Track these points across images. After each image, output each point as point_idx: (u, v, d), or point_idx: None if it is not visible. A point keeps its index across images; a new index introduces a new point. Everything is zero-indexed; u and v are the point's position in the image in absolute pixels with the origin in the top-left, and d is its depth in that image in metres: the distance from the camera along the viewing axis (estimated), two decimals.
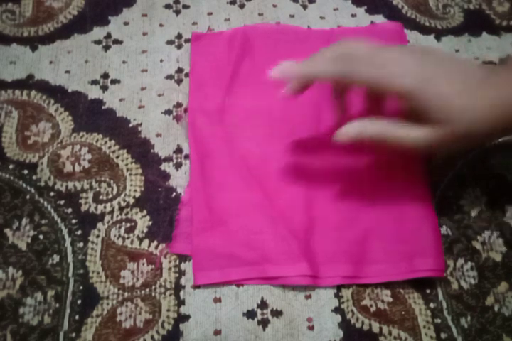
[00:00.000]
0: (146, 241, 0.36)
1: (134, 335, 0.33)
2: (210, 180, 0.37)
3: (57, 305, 0.34)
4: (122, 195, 0.38)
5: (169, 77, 0.43)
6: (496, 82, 0.28)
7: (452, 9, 0.47)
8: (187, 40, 0.44)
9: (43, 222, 0.36)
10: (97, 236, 0.36)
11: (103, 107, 0.41)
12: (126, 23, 0.45)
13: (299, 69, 0.31)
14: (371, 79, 0.29)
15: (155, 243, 0.36)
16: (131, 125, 0.40)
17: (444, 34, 0.46)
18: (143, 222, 0.37)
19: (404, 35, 0.43)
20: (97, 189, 0.38)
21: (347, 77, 0.29)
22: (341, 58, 0.29)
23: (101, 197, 0.37)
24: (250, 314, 0.34)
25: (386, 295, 0.34)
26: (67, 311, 0.34)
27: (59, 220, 0.37)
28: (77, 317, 0.33)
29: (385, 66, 0.28)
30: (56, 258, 0.35)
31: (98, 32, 0.45)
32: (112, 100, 0.41)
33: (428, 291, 0.35)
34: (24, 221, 0.36)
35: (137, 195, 0.38)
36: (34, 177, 0.38)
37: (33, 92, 0.42)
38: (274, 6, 0.47)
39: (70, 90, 0.42)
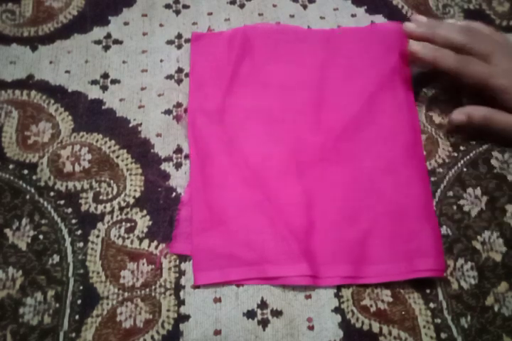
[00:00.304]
0: (146, 241, 0.36)
1: (134, 335, 0.33)
2: (210, 180, 0.37)
3: (57, 305, 0.34)
4: (122, 195, 0.38)
5: (169, 77, 0.43)
6: None
7: (452, 9, 0.47)
8: (187, 40, 0.44)
9: (43, 222, 0.36)
10: (97, 236, 0.36)
11: (103, 107, 0.41)
12: (126, 23, 0.45)
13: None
14: (481, 75, 0.38)
15: (155, 243, 0.36)
16: (131, 125, 0.40)
17: None
18: (143, 222, 0.37)
19: (405, 35, 0.43)
20: (97, 189, 0.38)
21: (460, 70, 0.38)
22: (463, 56, 0.38)
23: (101, 197, 0.37)
24: (250, 314, 0.34)
25: (386, 295, 0.34)
26: (67, 311, 0.34)
27: (59, 220, 0.37)
28: (77, 317, 0.33)
29: (492, 68, 0.38)
30: (56, 258, 0.35)
31: (98, 32, 0.45)
32: (112, 100, 0.41)
33: (428, 291, 0.35)
34: (24, 221, 0.36)
35: (137, 195, 0.38)
36: (34, 177, 0.38)
37: (33, 92, 0.42)
38: (274, 6, 0.47)
39: (70, 90, 0.42)
